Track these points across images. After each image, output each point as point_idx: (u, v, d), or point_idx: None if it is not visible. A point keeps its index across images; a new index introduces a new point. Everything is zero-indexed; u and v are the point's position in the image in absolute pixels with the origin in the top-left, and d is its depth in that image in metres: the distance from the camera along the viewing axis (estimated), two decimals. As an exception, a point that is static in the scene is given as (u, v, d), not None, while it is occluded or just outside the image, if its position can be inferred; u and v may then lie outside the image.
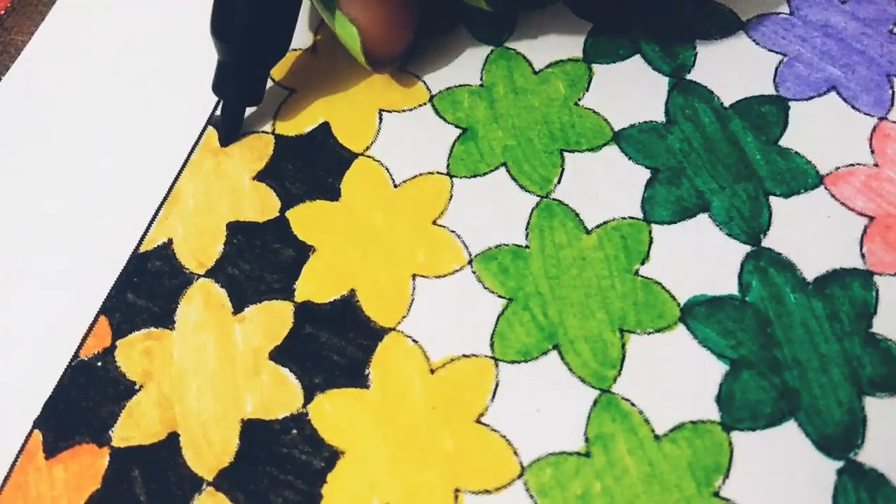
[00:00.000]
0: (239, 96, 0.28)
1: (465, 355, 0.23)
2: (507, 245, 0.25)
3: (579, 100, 0.28)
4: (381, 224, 0.26)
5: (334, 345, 0.24)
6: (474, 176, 0.27)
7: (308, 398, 0.23)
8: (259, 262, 0.26)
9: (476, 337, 0.24)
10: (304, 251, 0.26)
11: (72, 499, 0.23)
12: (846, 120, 0.26)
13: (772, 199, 0.25)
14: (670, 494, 0.21)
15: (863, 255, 0.24)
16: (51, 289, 0.26)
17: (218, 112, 0.29)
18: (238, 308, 0.25)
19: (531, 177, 0.26)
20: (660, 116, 0.27)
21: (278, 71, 0.30)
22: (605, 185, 0.26)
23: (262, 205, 0.27)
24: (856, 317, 0.23)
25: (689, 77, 0.28)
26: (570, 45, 0.29)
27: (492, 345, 0.23)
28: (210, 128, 0.29)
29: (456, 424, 0.22)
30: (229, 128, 0.28)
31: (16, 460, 0.23)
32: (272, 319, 0.25)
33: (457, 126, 0.28)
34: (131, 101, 0.30)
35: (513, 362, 0.23)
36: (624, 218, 0.25)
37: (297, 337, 0.24)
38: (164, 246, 0.26)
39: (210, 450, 0.23)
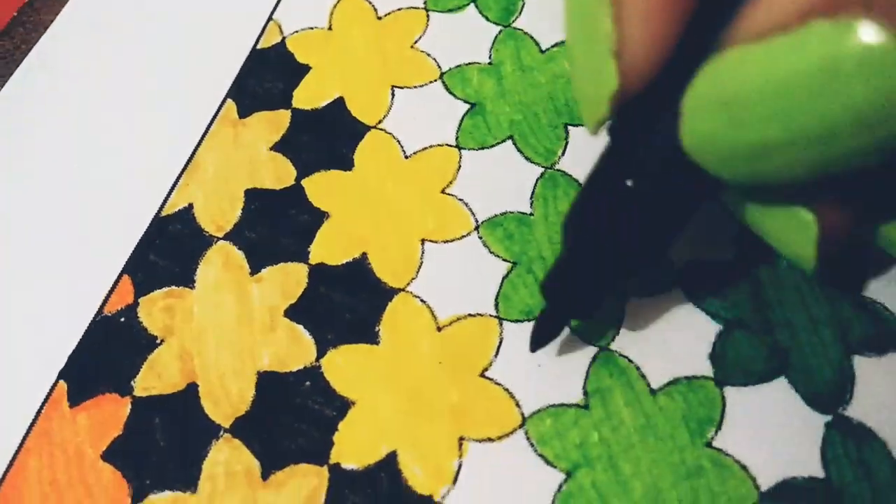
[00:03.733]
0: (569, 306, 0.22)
1: (470, 314, 0.24)
2: (512, 213, 0.26)
3: (584, 77, 0.29)
4: (393, 192, 0.27)
5: (346, 304, 0.25)
6: (482, 148, 0.28)
7: (321, 353, 0.24)
8: (275, 226, 0.27)
9: (481, 297, 0.25)
10: (318, 217, 0.27)
11: (95, 444, 0.24)
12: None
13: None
14: (664, 444, 0.22)
15: (854, 225, 0.25)
16: (77, 249, 0.27)
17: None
18: (255, 269, 0.26)
19: (536, 149, 0.27)
20: (661, 94, 0.28)
21: (297, 48, 0.31)
22: (608, 158, 0.27)
23: (278, 173, 0.28)
24: (846, 282, 0.24)
25: (689, 57, 0.29)
26: (575, 27, 0.30)
27: (496, 305, 0.25)
28: (229, 100, 0.30)
29: (461, 378, 0.23)
30: (545, 334, 0.23)
31: (41, 408, 0.24)
32: (287, 280, 0.26)
33: (466, 101, 0.29)
34: (154, 76, 0.31)
35: (516, 321, 0.24)
36: (625, 188, 0.26)
37: (311, 296, 0.25)
38: (185, 210, 0.28)
39: (227, 399, 0.24)
